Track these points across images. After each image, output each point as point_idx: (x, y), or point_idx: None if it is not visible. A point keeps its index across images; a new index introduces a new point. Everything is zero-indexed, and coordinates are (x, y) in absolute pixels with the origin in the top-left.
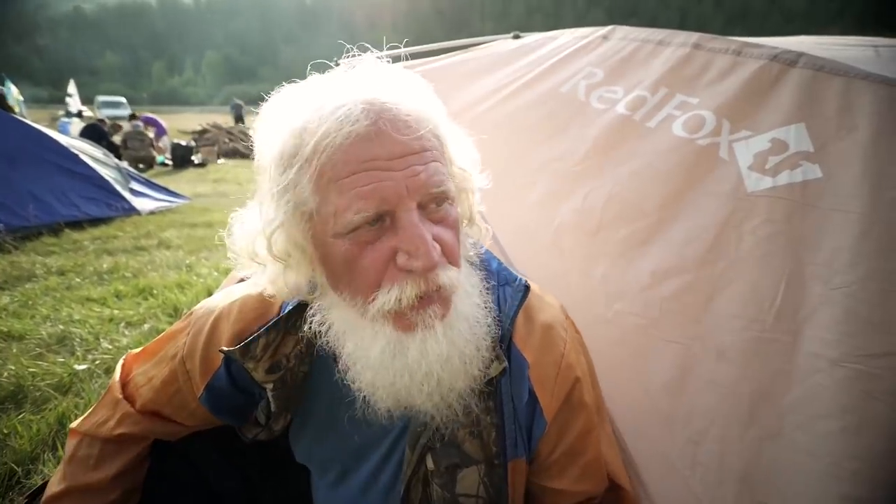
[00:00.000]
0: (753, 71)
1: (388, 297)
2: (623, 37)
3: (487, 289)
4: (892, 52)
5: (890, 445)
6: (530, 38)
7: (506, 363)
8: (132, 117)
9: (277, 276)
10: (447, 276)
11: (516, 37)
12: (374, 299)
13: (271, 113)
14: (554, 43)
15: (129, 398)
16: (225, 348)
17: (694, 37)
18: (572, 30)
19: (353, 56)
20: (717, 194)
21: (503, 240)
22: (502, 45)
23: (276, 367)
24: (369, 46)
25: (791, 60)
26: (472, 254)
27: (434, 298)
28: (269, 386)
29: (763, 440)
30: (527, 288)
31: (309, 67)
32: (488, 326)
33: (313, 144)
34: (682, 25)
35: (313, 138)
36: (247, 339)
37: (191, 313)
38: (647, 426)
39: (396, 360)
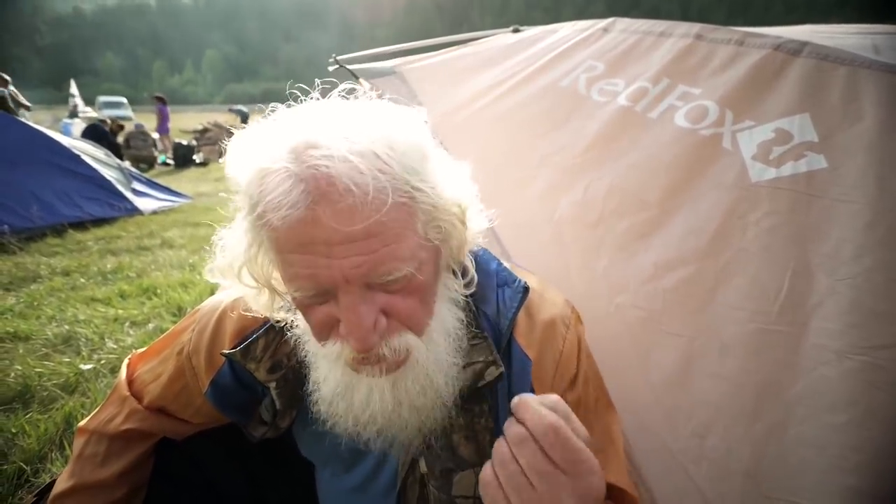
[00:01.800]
0: (756, 61)
1: (332, 350)
2: (624, 29)
3: (479, 293)
4: (895, 41)
5: (894, 437)
6: (530, 31)
7: (502, 369)
8: (159, 100)
9: (252, 297)
10: (393, 346)
11: (516, 31)
12: (324, 345)
13: (244, 146)
14: (553, 36)
15: (136, 395)
16: (225, 351)
17: (696, 27)
18: (572, 23)
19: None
20: (720, 185)
21: (503, 235)
22: (501, 39)
23: (278, 366)
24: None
25: (795, 50)
26: (454, 292)
27: (381, 361)
28: (272, 385)
29: (769, 433)
30: (526, 289)
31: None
32: (451, 374)
33: (259, 212)
34: (684, 17)
35: (258, 206)
36: (247, 337)
37: (196, 310)
38: (651, 420)
39: (344, 400)
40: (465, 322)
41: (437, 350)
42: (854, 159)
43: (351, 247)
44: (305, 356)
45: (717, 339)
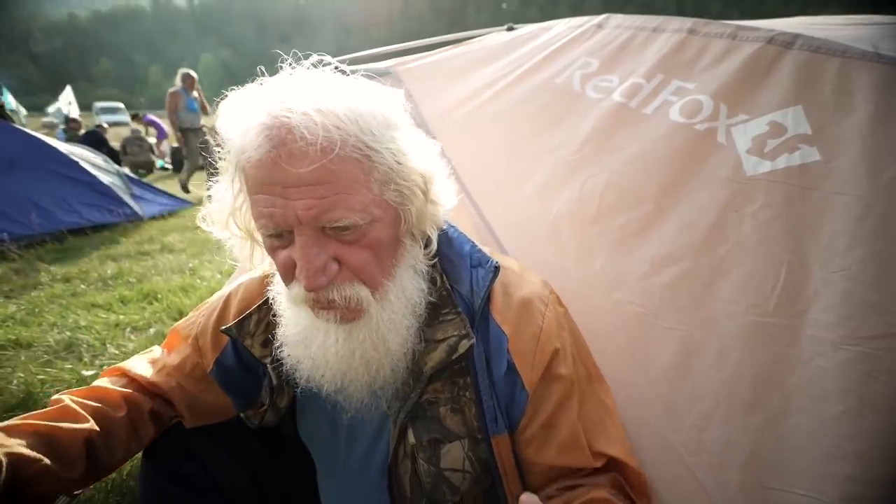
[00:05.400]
0: (749, 54)
1: (293, 291)
2: (617, 25)
3: (452, 273)
4: (890, 30)
5: (891, 425)
6: (524, 29)
7: (473, 340)
8: (135, 117)
9: (242, 247)
10: (343, 293)
11: (510, 29)
12: (289, 288)
13: (232, 104)
14: (548, 34)
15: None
16: (224, 327)
17: (688, 22)
18: (566, 20)
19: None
20: (716, 179)
21: (501, 233)
22: (496, 37)
23: (271, 341)
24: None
25: (787, 42)
26: (417, 261)
27: (332, 307)
28: (267, 360)
29: (766, 425)
30: (496, 269)
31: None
32: (406, 336)
33: (237, 156)
34: (679, 10)
35: (233, 150)
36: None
37: (208, 301)
38: (650, 414)
39: (302, 344)
40: (426, 292)
41: (392, 311)
42: (846, 151)
43: (303, 190)
44: (278, 307)
45: (715, 333)
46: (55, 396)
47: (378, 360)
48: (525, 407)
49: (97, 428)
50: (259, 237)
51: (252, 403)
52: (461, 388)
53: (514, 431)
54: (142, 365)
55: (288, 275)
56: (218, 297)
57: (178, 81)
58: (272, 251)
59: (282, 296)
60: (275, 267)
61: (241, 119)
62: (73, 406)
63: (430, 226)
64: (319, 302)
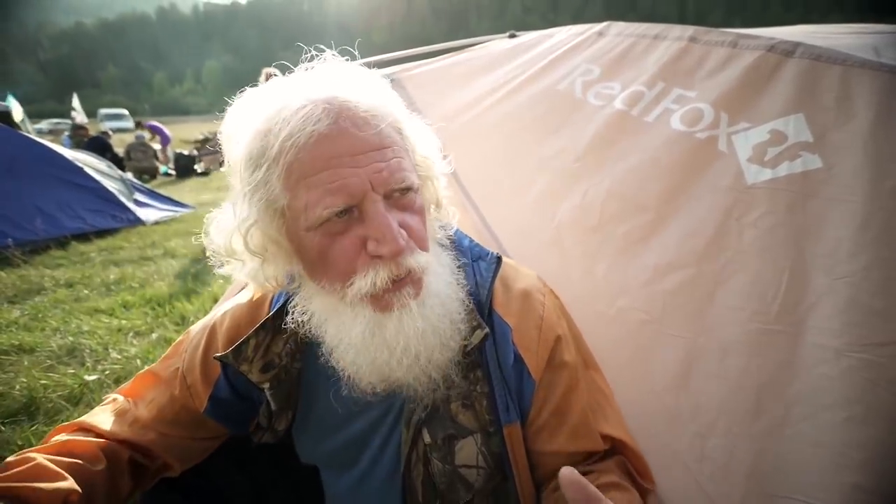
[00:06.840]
0: (750, 62)
1: (364, 282)
2: (618, 33)
3: (459, 266)
4: (891, 39)
5: None
6: (526, 36)
7: (487, 330)
8: (138, 125)
9: (256, 270)
10: (415, 259)
11: (512, 36)
12: (351, 284)
13: (236, 116)
14: (549, 41)
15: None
16: (218, 354)
17: (689, 30)
18: (568, 27)
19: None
20: (717, 187)
21: (503, 240)
22: (498, 44)
23: (270, 366)
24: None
25: (788, 50)
26: (440, 235)
27: (406, 280)
28: (266, 385)
29: (770, 432)
30: (499, 260)
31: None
32: (461, 301)
33: (279, 144)
34: (681, 17)
35: (278, 139)
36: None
37: (187, 333)
38: (653, 422)
39: (376, 338)
40: (453, 258)
41: (440, 275)
42: (848, 158)
43: (372, 155)
44: (315, 324)
45: (718, 340)
46: (19, 454)
47: (448, 332)
48: (533, 396)
49: (77, 488)
50: (274, 251)
51: (247, 427)
52: (472, 382)
53: (524, 422)
54: (107, 420)
55: (352, 262)
56: (201, 331)
57: (262, 83)
58: (330, 241)
59: (328, 303)
60: (312, 272)
61: (277, 109)
62: (46, 464)
63: (445, 199)
64: (399, 276)
